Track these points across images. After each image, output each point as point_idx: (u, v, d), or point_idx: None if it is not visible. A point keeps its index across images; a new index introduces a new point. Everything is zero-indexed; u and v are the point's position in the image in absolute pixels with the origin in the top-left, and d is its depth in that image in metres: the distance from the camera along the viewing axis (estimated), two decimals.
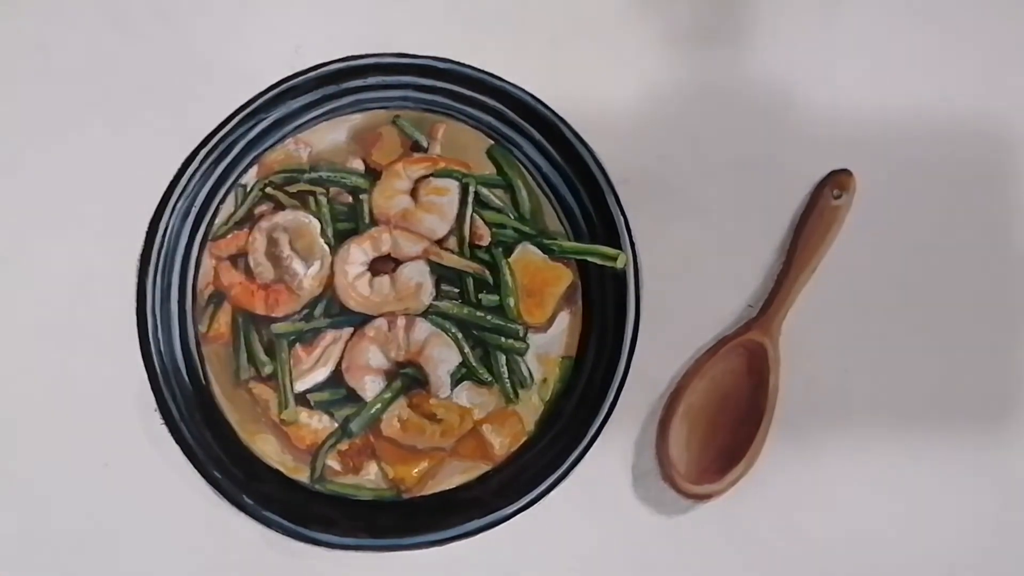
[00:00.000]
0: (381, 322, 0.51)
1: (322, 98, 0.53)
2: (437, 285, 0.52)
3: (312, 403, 0.51)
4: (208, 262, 0.52)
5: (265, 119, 0.53)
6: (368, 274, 0.52)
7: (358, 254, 0.52)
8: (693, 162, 0.54)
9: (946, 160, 0.54)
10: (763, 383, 0.51)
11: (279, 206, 0.52)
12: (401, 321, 0.51)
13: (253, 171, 0.53)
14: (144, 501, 0.51)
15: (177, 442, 0.50)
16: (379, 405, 0.51)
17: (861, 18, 0.55)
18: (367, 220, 0.52)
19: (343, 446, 0.51)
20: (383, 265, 0.52)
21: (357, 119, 0.53)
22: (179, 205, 0.52)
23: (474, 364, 0.51)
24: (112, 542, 0.51)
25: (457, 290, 0.52)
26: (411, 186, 0.53)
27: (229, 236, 0.52)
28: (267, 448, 0.51)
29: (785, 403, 0.51)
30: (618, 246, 0.52)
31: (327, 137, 0.53)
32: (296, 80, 0.53)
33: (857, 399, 0.52)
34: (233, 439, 0.51)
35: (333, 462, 0.51)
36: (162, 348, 0.51)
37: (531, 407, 0.52)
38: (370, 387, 0.51)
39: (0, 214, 0.52)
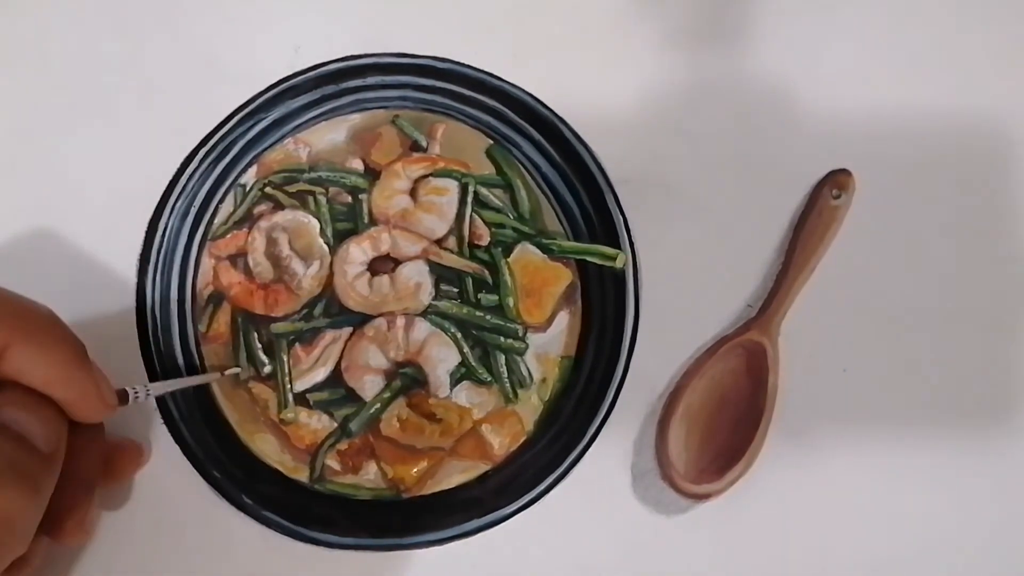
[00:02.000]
0: (380, 322, 0.51)
1: (321, 98, 0.53)
2: (436, 285, 0.52)
3: (311, 403, 0.51)
4: (207, 262, 0.52)
5: (264, 119, 0.53)
6: (367, 274, 0.52)
7: (357, 254, 0.52)
8: (693, 162, 0.53)
9: (946, 160, 0.54)
10: (762, 383, 0.51)
11: (278, 206, 0.52)
12: (400, 321, 0.51)
13: (252, 171, 0.53)
14: (144, 501, 0.51)
15: (177, 442, 0.50)
16: (378, 405, 0.51)
17: (861, 18, 0.55)
18: (366, 220, 0.52)
19: (342, 446, 0.51)
20: (382, 265, 0.52)
21: (356, 119, 0.53)
22: (178, 205, 0.52)
23: (473, 364, 0.51)
24: (111, 542, 0.51)
25: (456, 290, 0.52)
26: (410, 186, 0.53)
27: (228, 236, 0.52)
28: (267, 448, 0.51)
29: (784, 403, 0.51)
30: (617, 246, 0.52)
31: (326, 137, 0.53)
32: (296, 80, 0.53)
33: (857, 399, 0.52)
34: (233, 439, 0.51)
35: (332, 462, 0.51)
36: (162, 348, 0.51)
37: (530, 407, 0.52)
38: (369, 387, 0.51)
39: None
